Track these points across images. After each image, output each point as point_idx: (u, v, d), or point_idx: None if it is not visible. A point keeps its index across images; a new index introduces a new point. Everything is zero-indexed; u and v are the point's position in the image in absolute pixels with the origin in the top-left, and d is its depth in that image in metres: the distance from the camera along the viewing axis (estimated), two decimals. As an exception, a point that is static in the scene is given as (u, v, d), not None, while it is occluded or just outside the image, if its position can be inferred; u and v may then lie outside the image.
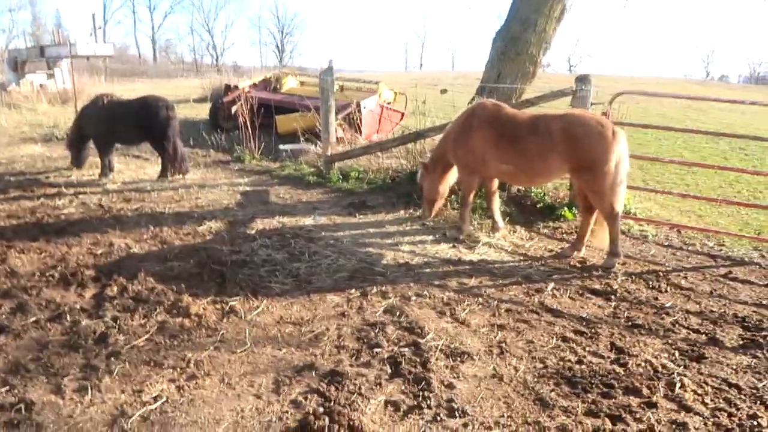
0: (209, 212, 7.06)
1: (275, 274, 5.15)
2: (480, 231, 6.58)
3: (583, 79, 6.88)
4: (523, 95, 8.72)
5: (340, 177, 8.78)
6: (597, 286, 5.21)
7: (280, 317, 4.34)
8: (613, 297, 4.98)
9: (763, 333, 4.37)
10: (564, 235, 6.72)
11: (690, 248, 6.47)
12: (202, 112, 15.36)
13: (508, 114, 5.87)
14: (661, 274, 5.59)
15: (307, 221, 6.83)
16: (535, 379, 3.58)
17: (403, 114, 12.76)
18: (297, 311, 4.47)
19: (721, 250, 6.46)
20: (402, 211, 7.33)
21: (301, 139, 10.46)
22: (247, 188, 8.40)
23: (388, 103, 12.86)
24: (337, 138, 9.79)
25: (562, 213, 7.14)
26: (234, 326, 4.17)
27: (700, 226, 7.23)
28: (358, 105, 11.34)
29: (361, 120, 11.14)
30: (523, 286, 5.16)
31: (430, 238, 6.38)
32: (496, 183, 6.46)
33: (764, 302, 5.04)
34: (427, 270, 5.46)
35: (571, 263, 5.78)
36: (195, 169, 9.40)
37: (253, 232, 6.33)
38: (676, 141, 14.48)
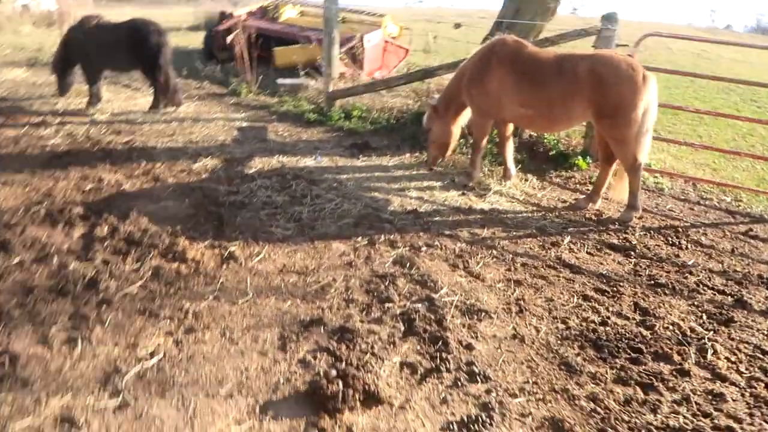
0: (204, 148, 6.65)
1: (276, 218, 4.84)
2: (490, 178, 6.26)
3: (609, 18, 6.36)
4: (542, 34, 8.18)
5: (342, 115, 8.32)
6: (615, 241, 4.96)
7: (283, 265, 4.06)
8: (632, 253, 4.75)
9: (792, 297, 4.17)
10: (577, 185, 6.41)
11: (707, 203, 6.22)
12: (195, 41, 14.53)
13: (530, 52, 5.42)
14: (680, 229, 5.35)
15: (309, 162, 6.45)
16: (559, 341, 3.36)
17: (407, 50, 12.11)
18: (301, 259, 4.19)
19: (739, 206, 6.21)
20: (407, 155, 6.96)
21: (301, 73, 9.88)
22: (244, 124, 7.95)
23: (393, 38, 12.17)
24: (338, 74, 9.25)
25: (576, 162, 6.81)
26: (234, 274, 3.89)
27: (717, 180, 6.95)
28: (362, 39, 10.68)
29: (364, 55, 10.53)
30: (538, 238, 4.90)
31: (438, 184, 6.06)
32: (510, 128, 6.07)
33: (789, 263, 4.83)
34: (437, 218, 5.17)
35: (586, 215, 5.51)
36: (188, 102, 8.89)
37: (251, 171, 5.97)
38: (686, 90, 13.98)
